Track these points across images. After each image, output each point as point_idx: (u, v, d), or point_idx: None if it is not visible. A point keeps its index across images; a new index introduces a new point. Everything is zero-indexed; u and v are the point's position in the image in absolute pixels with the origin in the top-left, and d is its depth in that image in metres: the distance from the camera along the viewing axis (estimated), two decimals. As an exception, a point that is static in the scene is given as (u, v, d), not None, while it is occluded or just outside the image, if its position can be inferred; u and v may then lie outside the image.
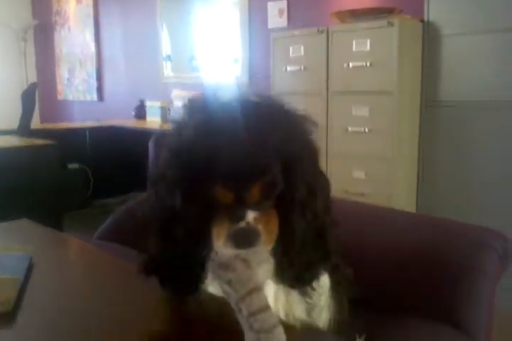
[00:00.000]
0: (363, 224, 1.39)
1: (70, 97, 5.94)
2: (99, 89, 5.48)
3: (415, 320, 1.26)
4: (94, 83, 5.50)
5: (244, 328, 0.64)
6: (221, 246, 0.64)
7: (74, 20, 5.66)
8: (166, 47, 4.61)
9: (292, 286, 0.74)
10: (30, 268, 0.94)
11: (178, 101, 4.07)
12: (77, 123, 5.08)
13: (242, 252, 0.64)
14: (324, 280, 0.80)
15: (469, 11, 2.44)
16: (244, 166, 0.63)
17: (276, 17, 3.54)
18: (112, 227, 1.54)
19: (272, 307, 0.66)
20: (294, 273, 0.72)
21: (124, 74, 5.15)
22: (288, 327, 0.67)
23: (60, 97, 6.12)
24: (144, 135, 3.90)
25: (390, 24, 2.42)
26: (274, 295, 0.75)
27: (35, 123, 5.09)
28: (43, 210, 1.19)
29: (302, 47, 2.79)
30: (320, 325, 0.82)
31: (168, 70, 4.62)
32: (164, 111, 4.29)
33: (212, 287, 0.72)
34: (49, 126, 4.93)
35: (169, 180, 0.68)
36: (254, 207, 0.64)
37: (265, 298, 0.65)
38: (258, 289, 0.65)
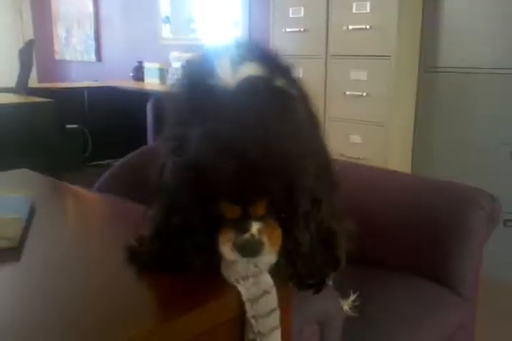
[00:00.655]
0: (357, 185, 1.41)
1: (68, 57, 5.88)
2: (98, 50, 5.42)
3: (402, 275, 1.30)
4: (92, 43, 5.44)
5: (246, 323, 0.69)
6: (227, 253, 0.68)
7: (71, -22, 5.56)
8: (164, 8, 4.54)
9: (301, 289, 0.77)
10: (32, 210, 0.98)
11: (177, 62, 4.05)
12: (75, 83, 5.05)
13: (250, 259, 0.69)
14: None
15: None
16: (251, 183, 0.65)
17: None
18: (109, 180, 1.57)
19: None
20: (298, 282, 0.75)
21: (123, 36, 5.09)
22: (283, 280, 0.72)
23: (57, 57, 6.05)
24: (142, 96, 3.89)
25: (392, -14, 2.39)
26: None
27: (33, 82, 5.05)
28: (40, 169, 1.20)
29: (302, 9, 2.77)
30: None
31: (166, 32, 4.57)
32: (162, 73, 4.28)
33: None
34: (47, 85, 4.90)
35: (177, 193, 0.69)
36: (258, 219, 0.67)
37: (274, 300, 0.70)
38: (269, 292, 0.70)
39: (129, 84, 4.39)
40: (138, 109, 3.94)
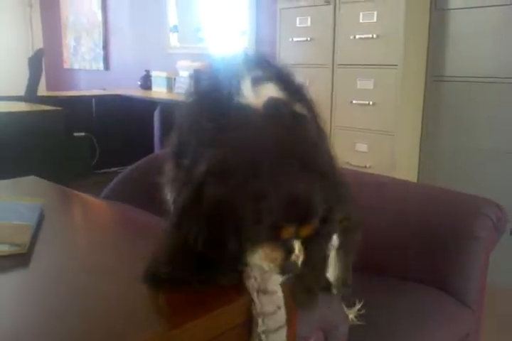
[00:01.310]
0: (364, 193, 1.41)
1: (76, 66, 5.93)
2: (106, 59, 5.47)
3: (408, 285, 1.30)
4: (100, 52, 5.49)
5: (253, 320, 0.71)
6: (264, 265, 0.70)
7: (80, -12, 5.62)
8: (172, 17, 4.58)
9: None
10: (41, 217, 0.99)
11: (184, 71, 4.08)
12: (83, 92, 5.09)
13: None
14: (334, 239, 0.84)
15: (478, -16, 2.42)
16: (307, 204, 0.68)
17: (283, -13, 3.51)
18: (116, 188, 1.58)
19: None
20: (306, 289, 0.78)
21: (131, 45, 5.13)
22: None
23: (66, 66, 6.10)
24: (149, 104, 3.92)
25: (398, -4, 2.41)
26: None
27: (42, 91, 5.09)
28: (47, 177, 1.21)
29: (309, 18, 2.79)
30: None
31: (174, 41, 4.60)
32: (170, 82, 4.31)
33: None
34: (56, 93, 4.94)
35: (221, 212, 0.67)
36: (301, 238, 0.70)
37: (283, 317, 0.72)
38: (280, 307, 0.72)
39: (136, 92, 4.42)
40: (145, 117, 3.98)
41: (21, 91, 3.85)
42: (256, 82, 0.79)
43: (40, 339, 0.61)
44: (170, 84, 4.30)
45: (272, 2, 3.52)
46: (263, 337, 0.70)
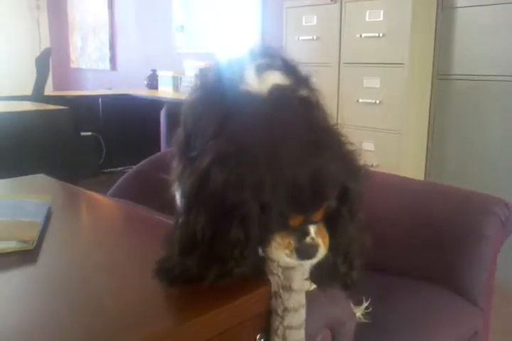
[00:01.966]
0: (371, 191, 1.41)
1: (83, 66, 5.95)
2: (112, 58, 5.48)
3: (418, 283, 1.30)
4: (107, 52, 5.50)
5: (273, 317, 0.71)
6: (280, 256, 0.69)
7: (87, -12, 5.64)
8: (179, 17, 4.59)
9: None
10: (48, 214, 0.99)
11: (190, 71, 4.08)
12: (89, 91, 5.11)
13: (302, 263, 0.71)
14: None
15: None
16: (317, 192, 0.67)
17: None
18: (123, 187, 1.58)
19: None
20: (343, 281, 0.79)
21: (137, 44, 5.14)
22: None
23: (73, 65, 6.13)
24: (155, 104, 3.93)
25: (405, -6, 2.40)
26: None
27: (49, 90, 5.11)
28: (54, 175, 1.22)
29: (315, 17, 2.78)
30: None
31: (180, 40, 4.61)
32: (176, 81, 4.31)
33: None
34: (62, 93, 4.96)
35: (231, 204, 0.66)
36: (314, 222, 0.69)
37: (304, 298, 0.72)
38: (301, 289, 0.72)
39: (142, 92, 4.43)
40: (151, 116, 3.99)
41: (29, 90, 3.88)
42: (261, 69, 0.78)
43: (45, 333, 0.61)
44: (176, 83, 4.31)
45: (278, 1, 3.52)
46: (286, 332, 0.70)
